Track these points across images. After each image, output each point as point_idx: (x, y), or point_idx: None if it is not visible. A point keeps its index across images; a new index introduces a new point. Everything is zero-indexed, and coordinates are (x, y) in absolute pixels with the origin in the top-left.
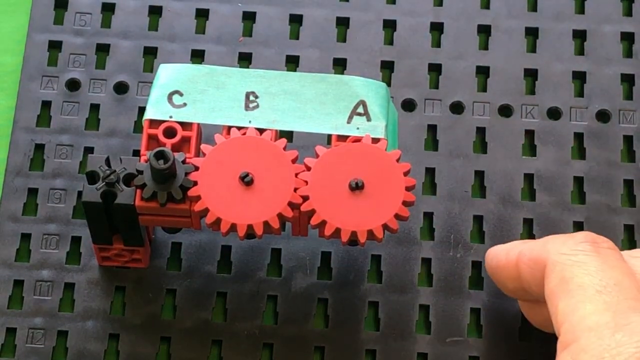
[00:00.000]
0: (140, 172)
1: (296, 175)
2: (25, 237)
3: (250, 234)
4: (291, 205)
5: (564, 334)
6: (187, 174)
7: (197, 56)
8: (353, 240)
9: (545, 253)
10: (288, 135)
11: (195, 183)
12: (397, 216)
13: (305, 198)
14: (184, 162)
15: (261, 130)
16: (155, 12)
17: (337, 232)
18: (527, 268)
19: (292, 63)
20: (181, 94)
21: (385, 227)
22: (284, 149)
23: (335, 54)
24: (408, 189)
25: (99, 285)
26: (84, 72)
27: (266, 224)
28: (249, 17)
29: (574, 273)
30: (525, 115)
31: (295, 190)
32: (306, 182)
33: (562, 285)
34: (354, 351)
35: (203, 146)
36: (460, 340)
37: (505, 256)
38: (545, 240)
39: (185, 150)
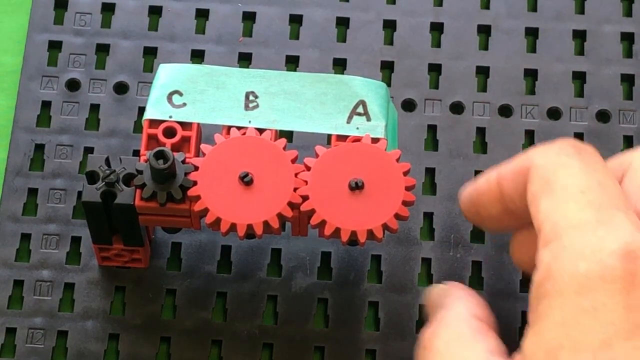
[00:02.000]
0: (140, 172)
1: (296, 175)
2: (25, 237)
3: (250, 233)
4: (291, 205)
5: (545, 232)
6: (187, 174)
7: (197, 56)
8: (353, 240)
9: (528, 160)
10: (288, 135)
11: (195, 183)
12: (397, 216)
13: (305, 198)
14: (183, 162)
15: (261, 130)
16: (155, 12)
17: (337, 232)
18: (509, 182)
19: (292, 63)
20: (181, 94)
21: (385, 227)
22: (284, 148)
23: (335, 54)
24: (408, 188)
25: (99, 285)
26: (84, 72)
27: (266, 223)
28: (249, 17)
29: (557, 175)
30: (525, 116)
31: (295, 190)
32: (306, 182)
33: (545, 187)
34: (354, 351)
35: (203, 146)
36: None
37: (485, 181)
38: (526, 152)
39: (185, 150)
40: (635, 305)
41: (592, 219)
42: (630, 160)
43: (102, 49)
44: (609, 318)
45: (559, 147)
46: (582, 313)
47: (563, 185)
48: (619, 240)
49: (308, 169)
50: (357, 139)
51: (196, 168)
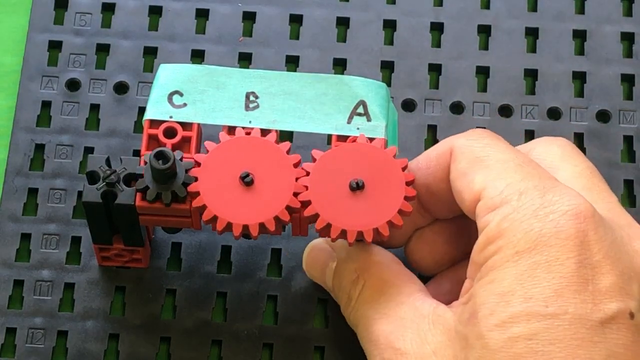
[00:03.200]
0: (141, 176)
1: (297, 179)
2: (25, 237)
3: (245, 234)
4: (289, 209)
5: (488, 198)
6: (187, 170)
7: (197, 56)
8: (359, 240)
9: (447, 144)
10: (288, 135)
11: (196, 179)
12: (401, 212)
13: (307, 203)
14: (181, 159)
15: (265, 132)
16: (155, 12)
17: (343, 234)
18: (423, 170)
19: (292, 63)
20: (181, 94)
21: (389, 223)
22: (288, 152)
23: (335, 54)
24: (408, 183)
25: (99, 285)
26: (84, 72)
27: (262, 225)
28: (249, 17)
29: (488, 152)
30: (525, 116)
31: (296, 195)
32: (306, 187)
33: (477, 163)
34: (353, 351)
35: (207, 143)
36: None
37: None
38: (441, 142)
39: (185, 151)
40: (586, 261)
41: (537, 186)
42: (529, 148)
43: (102, 49)
44: (561, 271)
45: (479, 131)
46: (535, 266)
47: (498, 159)
48: (568, 203)
49: (308, 174)
50: (355, 139)
51: (197, 164)
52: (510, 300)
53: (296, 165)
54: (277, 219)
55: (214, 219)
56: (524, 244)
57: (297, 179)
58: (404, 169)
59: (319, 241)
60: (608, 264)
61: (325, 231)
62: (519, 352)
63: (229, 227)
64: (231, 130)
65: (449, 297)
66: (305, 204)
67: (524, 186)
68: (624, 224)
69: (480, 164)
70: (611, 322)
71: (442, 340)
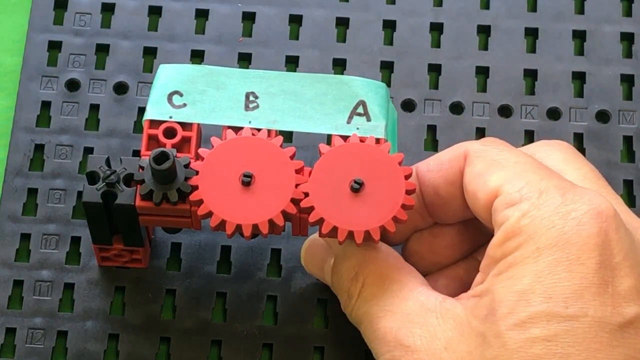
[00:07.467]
0: (143, 169)
1: (296, 171)
2: (25, 237)
3: (254, 233)
4: (294, 201)
5: (507, 194)
6: (187, 178)
7: (197, 56)
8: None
9: (462, 149)
10: (288, 135)
11: (195, 187)
12: (395, 219)
13: (310, 209)
14: (186, 166)
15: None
16: (155, 12)
17: (334, 231)
18: (433, 173)
19: (292, 63)
20: (181, 95)
21: (382, 229)
22: (281, 146)
23: (335, 54)
24: (408, 192)
25: (99, 285)
26: (83, 72)
27: (271, 222)
28: (249, 17)
29: (504, 156)
30: (525, 116)
31: (297, 186)
32: (306, 180)
33: (494, 165)
34: (353, 351)
35: (200, 150)
36: None
37: None
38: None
39: (185, 151)
40: (606, 262)
41: (558, 185)
42: (530, 152)
43: (102, 49)
44: (582, 271)
45: (492, 139)
46: (556, 263)
47: (515, 162)
48: (589, 202)
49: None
50: (362, 139)
51: (196, 173)
52: (530, 299)
53: (292, 157)
54: (284, 212)
55: (223, 223)
56: (545, 240)
57: (297, 171)
58: (407, 177)
59: (316, 236)
60: (627, 266)
61: (332, 234)
62: (538, 353)
63: (238, 229)
64: (232, 130)
65: (445, 293)
66: (308, 210)
67: (544, 185)
68: (637, 226)
69: (497, 165)
70: (629, 327)
71: (453, 336)
